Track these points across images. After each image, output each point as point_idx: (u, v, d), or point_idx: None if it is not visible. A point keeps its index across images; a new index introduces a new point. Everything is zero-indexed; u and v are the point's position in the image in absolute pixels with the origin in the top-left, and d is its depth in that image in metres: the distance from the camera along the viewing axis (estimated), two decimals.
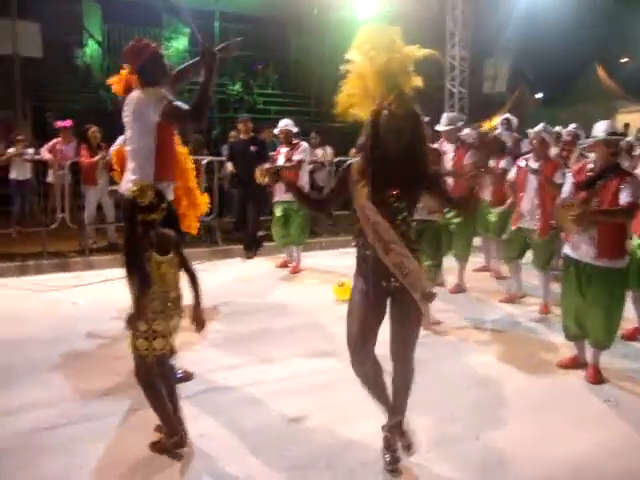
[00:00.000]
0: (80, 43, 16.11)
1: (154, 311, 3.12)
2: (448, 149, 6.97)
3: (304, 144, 7.93)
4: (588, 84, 17.98)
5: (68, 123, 9.24)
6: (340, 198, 3.28)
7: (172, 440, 3.24)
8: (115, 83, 5.17)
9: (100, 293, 6.56)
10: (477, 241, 7.90)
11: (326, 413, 3.81)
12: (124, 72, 4.96)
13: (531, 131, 6.32)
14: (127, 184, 3.98)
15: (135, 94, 4.07)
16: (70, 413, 3.74)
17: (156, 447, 3.29)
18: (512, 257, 6.39)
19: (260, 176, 7.89)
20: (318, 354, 4.83)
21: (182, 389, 4.06)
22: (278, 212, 7.86)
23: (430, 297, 2.86)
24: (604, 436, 3.66)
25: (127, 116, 4.09)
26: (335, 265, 7.95)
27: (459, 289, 6.99)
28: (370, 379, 3.16)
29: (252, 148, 7.96)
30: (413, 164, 2.98)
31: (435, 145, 6.65)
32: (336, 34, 14.50)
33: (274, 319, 5.74)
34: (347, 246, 9.36)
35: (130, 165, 4.11)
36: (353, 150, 8.12)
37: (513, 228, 6.24)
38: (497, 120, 11.15)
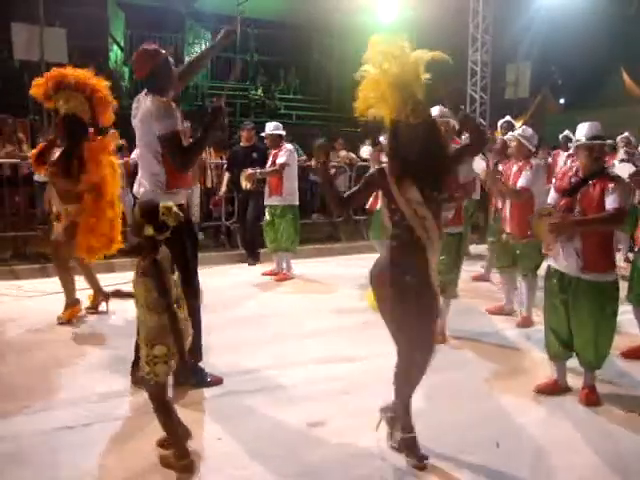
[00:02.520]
0: (105, 49, 16.32)
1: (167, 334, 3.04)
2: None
3: (288, 147, 7.72)
4: (612, 88, 17.77)
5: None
6: (360, 201, 3.37)
7: (182, 462, 3.17)
8: (35, 86, 5.22)
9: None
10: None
11: (344, 419, 3.80)
12: (50, 74, 5.02)
13: (511, 134, 6.19)
14: (139, 189, 4.06)
15: (146, 101, 4.01)
16: (92, 412, 3.81)
17: (165, 462, 3.22)
18: (504, 266, 6.03)
19: (244, 181, 7.96)
20: (335, 360, 4.83)
21: (199, 393, 4.12)
22: (267, 216, 7.78)
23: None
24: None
25: (137, 120, 4.07)
26: (336, 273, 8.01)
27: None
28: None
29: (254, 155, 7.98)
30: (433, 169, 3.11)
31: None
32: (358, 39, 14.52)
33: (288, 324, 5.76)
34: (347, 253, 9.44)
35: (141, 171, 4.10)
36: (370, 150, 8.10)
37: (496, 235, 5.98)
38: (518, 125, 11.05)
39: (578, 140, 4.15)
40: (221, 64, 16.70)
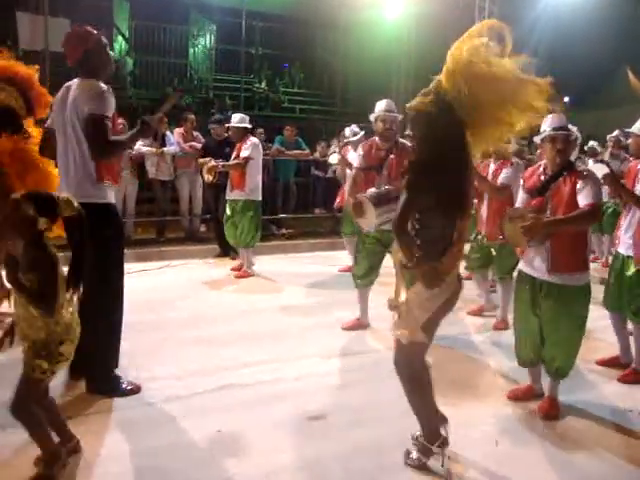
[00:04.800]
0: (109, 39, 16.27)
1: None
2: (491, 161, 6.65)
3: (252, 140, 7.41)
4: (618, 87, 17.71)
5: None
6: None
7: (53, 466, 2.95)
8: None
9: (152, 285, 6.85)
10: None
11: (344, 413, 3.81)
12: None
13: None
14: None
15: (76, 86, 3.81)
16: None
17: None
18: (477, 267, 5.86)
19: (206, 173, 7.83)
20: (332, 355, 4.85)
21: (199, 384, 4.12)
22: (228, 211, 7.53)
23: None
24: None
25: (61, 110, 3.83)
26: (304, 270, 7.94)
27: None
28: None
29: (227, 149, 7.77)
30: None
31: None
32: (362, 34, 14.47)
33: (284, 319, 5.76)
34: (302, 250, 9.23)
35: (67, 164, 3.83)
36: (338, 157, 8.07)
37: (474, 235, 5.82)
38: None
39: (542, 132, 3.90)
40: (226, 57, 16.67)
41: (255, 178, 7.34)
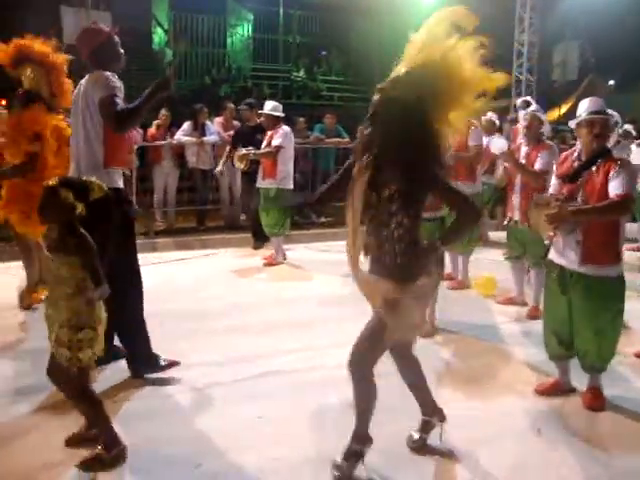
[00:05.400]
0: (149, 31, 16.48)
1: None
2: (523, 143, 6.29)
3: (284, 129, 7.28)
4: None
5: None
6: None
7: (113, 453, 3.00)
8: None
9: (163, 275, 6.77)
10: None
11: (388, 400, 3.79)
12: (16, 42, 4.85)
13: (522, 112, 5.74)
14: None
15: (85, 80, 3.94)
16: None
17: (88, 463, 2.98)
18: (513, 256, 5.64)
19: (237, 161, 7.74)
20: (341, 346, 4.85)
21: (239, 372, 4.17)
22: (261, 200, 7.46)
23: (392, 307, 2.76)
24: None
25: (77, 104, 3.95)
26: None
27: (462, 285, 6.39)
28: None
29: (258, 136, 7.67)
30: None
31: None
32: (399, 20, 14.34)
33: (317, 307, 5.73)
34: (342, 238, 9.04)
35: (79, 150, 3.94)
36: None
37: (505, 222, 5.66)
38: (565, 109, 10.80)
39: (578, 116, 3.71)
40: (264, 46, 16.72)
41: (286, 167, 7.31)
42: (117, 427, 3.14)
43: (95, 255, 2.87)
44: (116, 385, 3.92)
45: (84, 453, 3.04)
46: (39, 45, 5.04)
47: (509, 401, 3.87)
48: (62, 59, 5.12)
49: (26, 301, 5.35)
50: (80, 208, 2.84)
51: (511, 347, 4.81)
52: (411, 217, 2.76)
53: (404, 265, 2.77)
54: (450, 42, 2.75)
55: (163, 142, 8.97)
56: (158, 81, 3.89)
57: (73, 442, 3.15)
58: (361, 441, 3.01)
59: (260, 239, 8.09)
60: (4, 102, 5.26)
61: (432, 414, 3.24)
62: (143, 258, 7.40)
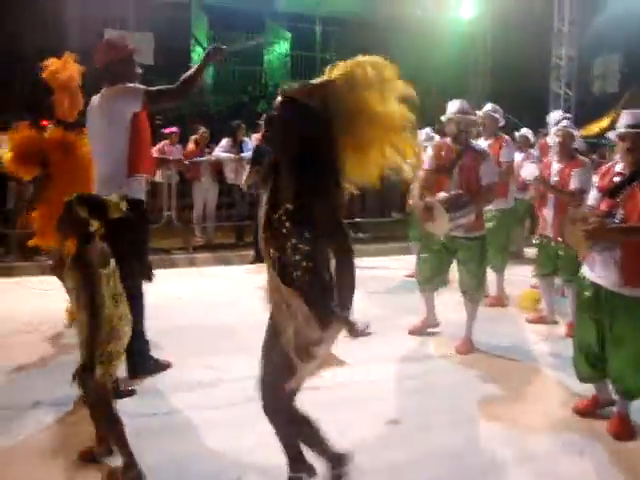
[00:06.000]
0: (188, 49, 16.83)
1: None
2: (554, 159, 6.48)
3: None
4: None
5: (175, 130, 9.75)
6: None
7: (130, 474, 2.98)
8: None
9: (200, 289, 6.88)
10: None
11: (422, 417, 3.80)
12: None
13: (554, 128, 5.56)
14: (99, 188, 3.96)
15: (99, 96, 4.03)
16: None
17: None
18: (544, 273, 5.51)
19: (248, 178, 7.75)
20: (404, 359, 4.86)
21: None
22: None
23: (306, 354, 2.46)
24: None
25: (93, 118, 4.06)
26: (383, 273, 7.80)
27: (498, 303, 6.27)
28: None
29: None
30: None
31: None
32: (436, 35, 14.36)
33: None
34: (389, 253, 9.08)
35: (99, 162, 4.06)
36: None
37: (536, 238, 5.59)
38: (606, 122, 10.63)
39: (618, 129, 3.59)
40: (301, 63, 16.89)
41: None
42: (157, 442, 3.23)
43: (93, 274, 2.91)
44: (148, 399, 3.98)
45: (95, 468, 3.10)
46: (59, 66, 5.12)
47: (537, 421, 3.78)
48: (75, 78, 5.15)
49: (71, 318, 5.45)
50: (95, 225, 2.92)
51: (541, 367, 4.75)
52: (309, 241, 2.41)
53: (311, 300, 2.43)
54: (372, 75, 2.56)
55: (202, 159, 9.16)
56: (210, 48, 4.05)
57: (85, 456, 3.18)
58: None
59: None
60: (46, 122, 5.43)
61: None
62: (182, 273, 7.64)
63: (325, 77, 2.55)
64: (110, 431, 3.07)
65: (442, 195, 4.71)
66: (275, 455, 3.25)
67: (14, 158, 5.19)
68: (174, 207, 9.00)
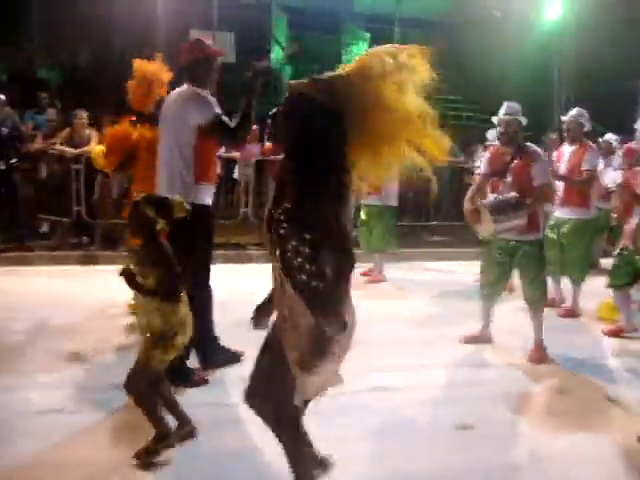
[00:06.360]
0: (268, 49, 17.16)
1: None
2: (566, 151, 6.17)
3: None
4: None
5: (254, 127, 9.95)
6: None
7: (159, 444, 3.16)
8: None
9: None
10: None
11: (492, 425, 3.75)
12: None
13: None
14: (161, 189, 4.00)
15: (177, 92, 4.06)
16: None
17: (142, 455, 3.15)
18: (621, 284, 5.34)
19: None
20: (471, 364, 4.82)
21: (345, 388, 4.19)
22: (363, 216, 7.55)
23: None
24: None
25: (164, 116, 4.09)
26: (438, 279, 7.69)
27: (571, 314, 6.09)
28: None
29: None
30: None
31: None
32: (517, 37, 14.04)
33: (408, 327, 5.66)
34: (461, 258, 8.83)
35: (163, 170, 4.07)
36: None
37: (618, 250, 5.36)
38: None
39: None
40: None
41: (392, 184, 7.29)
42: (217, 432, 3.35)
43: (174, 269, 3.07)
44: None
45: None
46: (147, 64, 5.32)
47: (600, 443, 3.58)
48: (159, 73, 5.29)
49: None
50: (161, 224, 3.05)
51: (609, 384, 4.48)
52: (310, 243, 2.21)
53: (313, 307, 2.26)
54: (390, 65, 2.34)
55: (279, 157, 9.29)
56: (253, 73, 3.89)
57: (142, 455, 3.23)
58: None
59: None
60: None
61: None
62: (257, 268, 7.77)
63: (339, 71, 2.39)
64: (141, 406, 3.18)
65: (490, 197, 4.75)
66: (338, 451, 3.29)
67: (107, 151, 5.42)
68: (251, 204, 9.19)
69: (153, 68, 5.25)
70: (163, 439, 3.16)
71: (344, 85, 2.31)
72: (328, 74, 2.36)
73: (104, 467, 3.10)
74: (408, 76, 2.35)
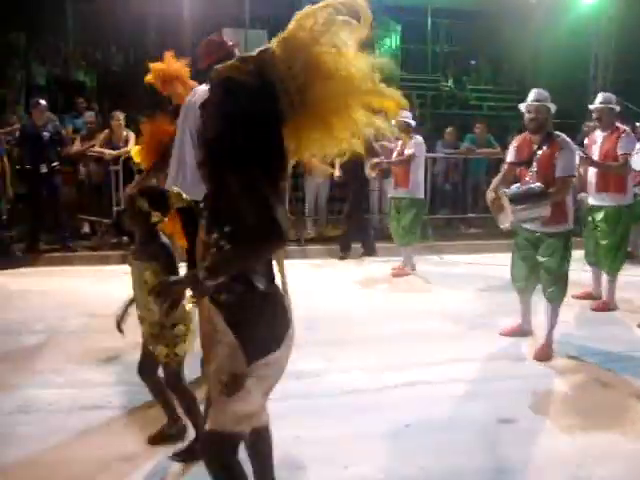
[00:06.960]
0: None
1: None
2: (598, 137, 6.04)
3: (417, 138, 7.35)
4: None
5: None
6: None
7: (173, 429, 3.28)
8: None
9: (310, 280, 7.05)
10: None
11: (534, 419, 3.71)
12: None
13: None
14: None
15: (201, 91, 3.99)
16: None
17: (156, 438, 3.30)
18: None
19: (369, 169, 7.85)
20: (509, 357, 4.79)
21: (381, 380, 4.22)
22: (392, 210, 7.63)
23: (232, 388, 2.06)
24: None
25: (186, 111, 4.05)
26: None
27: (605, 307, 5.92)
28: None
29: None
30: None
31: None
32: (553, 23, 13.77)
33: (437, 320, 5.65)
34: (488, 250, 8.76)
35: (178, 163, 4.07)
36: None
37: None
38: None
39: None
40: (412, 56, 16.75)
41: (418, 176, 7.38)
42: None
43: (173, 262, 3.04)
44: None
45: (163, 449, 3.24)
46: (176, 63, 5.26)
47: (619, 441, 3.50)
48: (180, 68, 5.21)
49: None
50: (157, 217, 3.04)
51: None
52: (230, 237, 2.03)
53: (235, 317, 2.08)
54: (321, 26, 2.08)
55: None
56: None
57: (155, 440, 3.33)
58: None
59: (343, 249, 8.46)
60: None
61: None
62: (294, 264, 7.81)
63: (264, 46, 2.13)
64: (182, 404, 3.23)
65: (513, 187, 4.67)
66: (377, 445, 3.32)
67: (144, 148, 5.48)
68: (287, 200, 9.21)
69: (173, 68, 5.22)
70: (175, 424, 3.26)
71: (271, 60, 2.06)
72: (256, 50, 2.11)
73: (97, 465, 3.13)
74: (341, 32, 2.11)
